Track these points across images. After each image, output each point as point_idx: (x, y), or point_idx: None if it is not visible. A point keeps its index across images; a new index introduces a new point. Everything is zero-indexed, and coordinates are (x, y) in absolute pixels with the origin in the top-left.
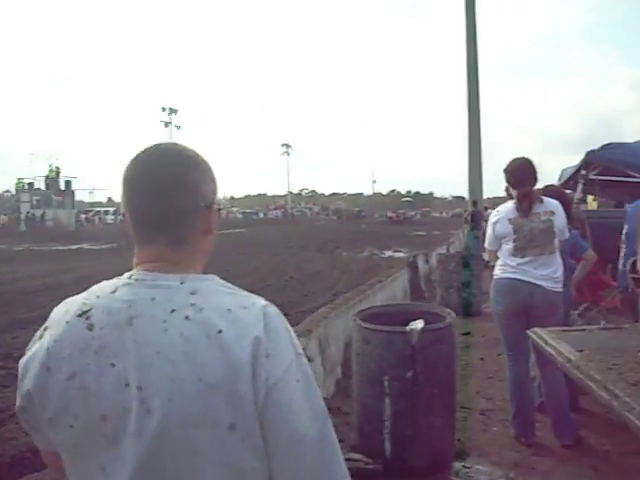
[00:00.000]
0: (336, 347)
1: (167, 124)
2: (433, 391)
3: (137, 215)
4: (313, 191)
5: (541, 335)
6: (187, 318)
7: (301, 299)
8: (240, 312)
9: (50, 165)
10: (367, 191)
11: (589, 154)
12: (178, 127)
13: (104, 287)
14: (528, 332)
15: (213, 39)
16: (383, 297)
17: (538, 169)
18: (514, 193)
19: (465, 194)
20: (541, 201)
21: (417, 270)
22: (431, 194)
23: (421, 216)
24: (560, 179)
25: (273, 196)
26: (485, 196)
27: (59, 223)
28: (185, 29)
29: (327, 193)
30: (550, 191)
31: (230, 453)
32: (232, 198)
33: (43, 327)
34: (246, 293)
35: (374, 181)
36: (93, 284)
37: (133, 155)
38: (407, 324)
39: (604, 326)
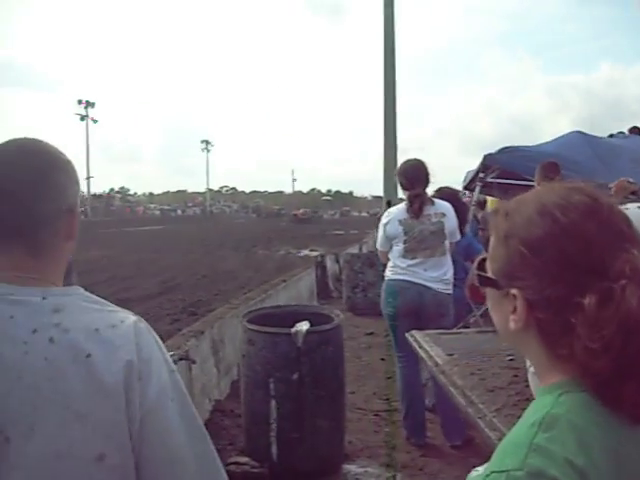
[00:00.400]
0: (233, 347)
1: (83, 117)
2: (320, 393)
3: None
4: (233, 189)
5: (416, 338)
6: (51, 340)
7: (211, 298)
8: (109, 332)
9: None
10: (288, 189)
11: (486, 157)
12: (95, 121)
13: None
14: (406, 335)
15: (131, 30)
16: (287, 297)
17: (430, 171)
18: (405, 194)
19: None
20: (432, 203)
21: (325, 269)
22: (351, 193)
23: (340, 215)
24: (465, 181)
25: (193, 193)
26: (400, 196)
27: None
28: (102, 19)
29: (247, 191)
30: (443, 193)
31: None
32: (151, 194)
33: None
34: (113, 307)
35: (294, 179)
36: None
37: None
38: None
39: (480, 329)
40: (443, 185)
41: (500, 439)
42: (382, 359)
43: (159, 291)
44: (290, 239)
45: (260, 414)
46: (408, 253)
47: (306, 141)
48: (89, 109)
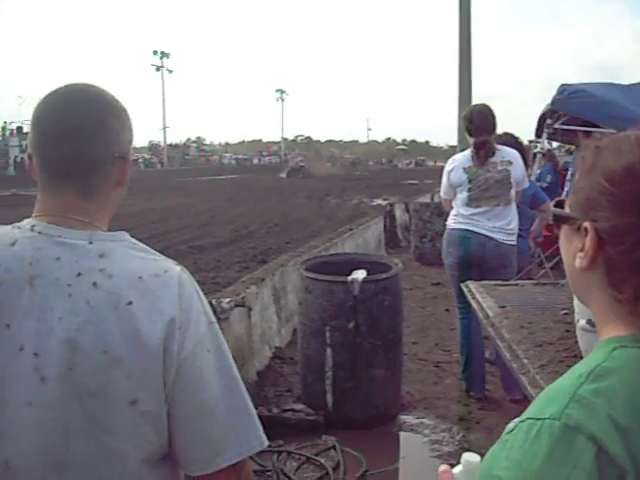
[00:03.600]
0: (295, 295)
1: (159, 68)
2: (376, 343)
3: (47, 160)
4: (308, 137)
5: (470, 288)
6: (95, 285)
7: (282, 246)
8: (152, 281)
9: None
10: (362, 138)
11: (554, 102)
12: (170, 71)
13: (1, 237)
14: (461, 285)
15: None
16: (353, 245)
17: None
18: (471, 141)
19: None
20: (499, 150)
21: (394, 219)
22: (427, 143)
23: (415, 164)
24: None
25: (268, 142)
26: None
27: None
28: None
29: (322, 140)
30: (503, 139)
31: (127, 427)
32: (226, 144)
33: None
34: (158, 256)
35: (369, 129)
36: None
37: (46, 94)
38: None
39: (538, 282)
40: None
41: None
42: (446, 310)
43: (231, 239)
44: (364, 188)
45: (316, 362)
46: (472, 201)
47: (381, 90)
48: (164, 59)
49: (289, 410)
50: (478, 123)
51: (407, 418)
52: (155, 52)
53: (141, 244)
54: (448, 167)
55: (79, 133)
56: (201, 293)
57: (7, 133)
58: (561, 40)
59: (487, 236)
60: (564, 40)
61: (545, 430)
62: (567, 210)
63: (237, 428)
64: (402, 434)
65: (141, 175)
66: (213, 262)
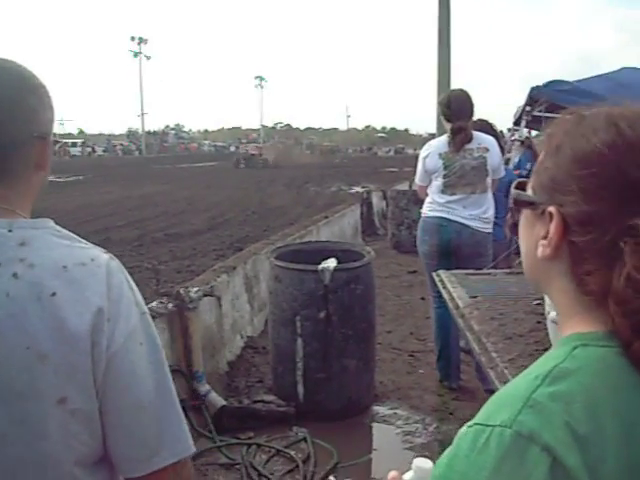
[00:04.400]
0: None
1: (136, 54)
2: (348, 332)
3: None
4: (288, 125)
5: (442, 277)
6: (15, 276)
7: (259, 234)
8: (78, 270)
9: None
10: (342, 126)
11: (533, 90)
12: (148, 57)
13: None
14: (433, 274)
15: None
16: (329, 233)
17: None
18: (448, 126)
19: None
20: (475, 136)
21: (371, 206)
22: (406, 130)
23: (395, 152)
24: (515, 116)
25: (247, 129)
26: None
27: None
28: None
29: (302, 127)
30: (477, 125)
31: (57, 428)
32: (205, 131)
33: None
34: (85, 243)
35: (349, 116)
36: (51, 218)
37: None
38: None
39: (511, 271)
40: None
41: None
42: (422, 298)
43: (208, 227)
44: (343, 176)
45: (286, 353)
46: (447, 189)
47: (361, 77)
48: (142, 45)
49: (259, 401)
50: (455, 108)
51: (380, 409)
52: (133, 38)
53: (66, 231)
54: (423, 153)
55: None
56: (132, 282)
57: None
58: (542, 29)
59: (463, 224)
60: (545, 29)
61: (494, 439)
62: (529, 193)
63: (173, 426)
64: (375, 425)
65: (119, 162)
66: (189, 250)
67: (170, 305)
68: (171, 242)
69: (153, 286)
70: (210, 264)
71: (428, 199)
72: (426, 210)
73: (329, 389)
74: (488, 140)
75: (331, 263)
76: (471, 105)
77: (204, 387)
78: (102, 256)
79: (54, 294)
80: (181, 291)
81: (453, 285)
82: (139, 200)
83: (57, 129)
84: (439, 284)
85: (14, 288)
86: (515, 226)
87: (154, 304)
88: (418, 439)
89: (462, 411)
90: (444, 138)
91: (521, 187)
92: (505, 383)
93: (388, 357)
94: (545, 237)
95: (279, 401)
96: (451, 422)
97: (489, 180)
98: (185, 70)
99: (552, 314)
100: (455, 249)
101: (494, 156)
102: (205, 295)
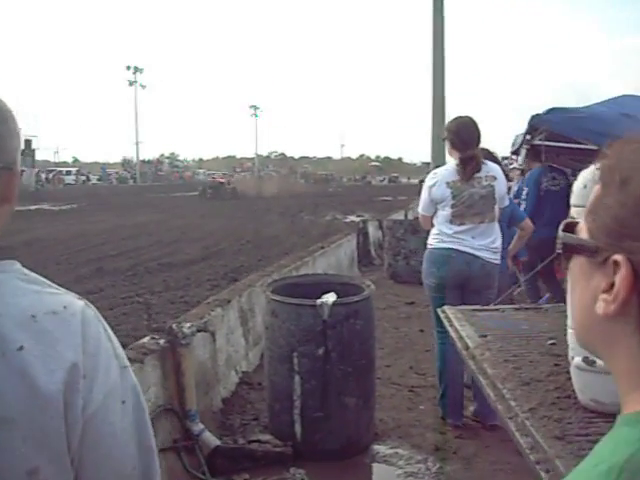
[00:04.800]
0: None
1: (132, 83)
2: (347, 369)
3: None
4: (282, 154)
5: (448, 314)
6: None
7: (254, 264)
8: (49, 320)
9: None
10: (336, 155)
11: (534, 118)
12: (143, 86)
13: None
14: (438, 310)
15: None
16: (325, 264)
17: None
18: (455, 155)
19: None
20: (484, 165)
21: (367, 236)
22: (400, 159)
23: (389, 181)
24: (513, 145)
25: (241, 158)
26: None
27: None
28: None
29: (296, 156)
30: (483, 155)
31: None
32: (200, 160)
33: None
34: (55, 288)
35: (343, 145)
36: (44, 247)
37: None
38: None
39: (520, 306)
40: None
41: (532, 448)
42: (421, 330)
43: (202, 256)
44: (337, 205)
45: (283, 390)
46: (455, 219)
47: (355, 107)
48: (137, 74)
49: (255, 441)
50: (465, 136)
51: (380, 448)
52: (128, 67)
53: (34, 275)
54: (429, 182)
55: None
56: (110, 332)
57: None
58: (534, 61)
59: (473, 255)
60: (537, 60)
61: None
62: (584, 236)
63: None
64: (375, 466)
65: (113, 191)
66: (183, 280)
67: (162, 341)
68: (165, 272)
69: (144, 321)
70: (204, 294)
71: (434, 230)
72: (433, 241)
73: (328, 428)
74: (495, 168)
75: (330, 297)
76: (479, 133)
77: (197, 426)
78: (76, 303)
79: (21, 348)
80: (174, 326)
81: (461, 323)
82: (133, 229)
83: (52, 157)
84: (445, 321)
85: None
86: (548, 274)
87: (146, 340)
88: None
89: (466, 449)
90: (451, 166)
91: (570, 228)
92: (527, 436)
93: (387, 393)
94: (608, 290)
95: (275, 441)
96: (455, 462)
97: (497, 209)
98: (180, 99)
99: (577, 359)
100: (464, 281)
101: (501, 184)
102: (199, 330)
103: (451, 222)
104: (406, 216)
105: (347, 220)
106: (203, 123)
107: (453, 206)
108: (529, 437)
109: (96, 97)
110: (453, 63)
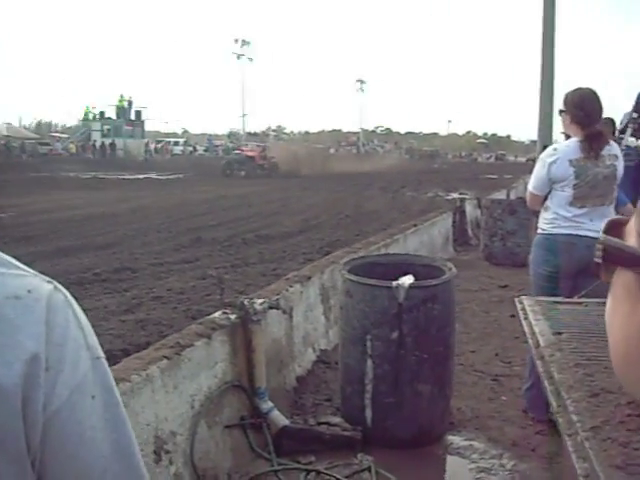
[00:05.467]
0: None
1: (239, 56)
2: (422, 356)
3: None
4: (388, 129)
5: (525, 306)
6: None
7: (351, 238)
8: (10, 306)
9: (121, 95)
10: (443, 131)
11: None
12: (250, 59)
13: None
14: (515, 300)
15: None
16: (417, 243)
17: None
18: (575, 131)
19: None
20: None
21: (464, 214)
22: (508, 137)
23: (495, 159)
24: (621, 123)
25: (347, 132)
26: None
27: (128, 152)
28: None
29: (402, 131)
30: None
31: None
32: (306, 133)
33: None
34: (23, 270)
35: (449, 121)
36: (147, 215)
37: None
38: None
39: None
40: None
41: (588, 476)
42: (512, 316)
43: (300, 229)
44: (441, 181)
45: (355, 374)
46: (577, 200)
47: (463, 82)
48: (245, 48)
49: (324, 423)
50: (590, 110)
51: (455, 439)
52: (236, 40)
53: (2, 255)
54: (549, 158)
55: None
56: (83, 318)
57: (90, 117)
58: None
59: (593, 238)
60: None
61: None
62: (633, 242)
63: None
64: (447, 458)
65: (218, 162)
66: (279, 252)
67: (233, 317)
68: (261, 244)
69: (217, 295)
70: (296, 268)
71: (548, 214)
72: (547, 226)
73: (399, 415)
74: (615, 147)
75: (407, 279)
76: (601, 107)
77: (266, 404)
78: (43, 286)
79: None
80: (245, 302)
81: (536, 317)
82: (234, 200)
83: (161, 128)
84: (520, 313)
85: None
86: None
87: (217, 315)
88: (493, 477)
89: (546, 447)
90: (572, 143)
91: (616, 230)
92: (584, 461)
93: (469, 380)
94: None
95: (345, 424)
96: (532, 460)
97: (616, 190)
98: (287, 72)
99: None
100: (585, 267)
101: (621, 165)
102: (270, 307)
103: (571, 204)
104: (508, 195)
105: (449, 197)
106: (309, 96)
107: (575, 187)
108: (586, 462)
109: (205, 70)
110: (564, 38)
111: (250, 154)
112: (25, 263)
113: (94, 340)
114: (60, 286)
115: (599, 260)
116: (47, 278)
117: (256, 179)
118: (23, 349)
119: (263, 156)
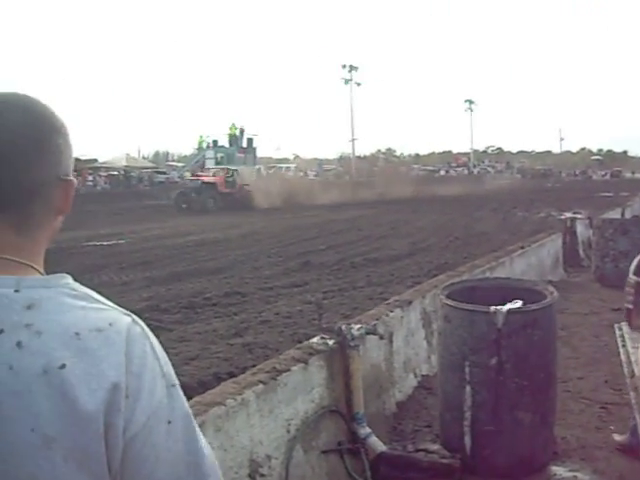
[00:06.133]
0: None
1: (347, 81)
2: (522, 383)
3: None
4: (499, 149)
5: (623, 333)
6: (19, 345)
7: (459, 261)
8: (92, 337)
9: (233, 124)
10: (555, 149)
11: None
12: (358, 84)
13: None
14: (615, 326)
15: None
16: (523, 265)
17: None
18: None
19: None
20: None
21: (575, 235)
22: (625, 153)
23: (611, 176)
24: None
25: (457, 153)
26: None
27: (241, 179)
28: None
29: (514, 151)
30: None
31: None
32: (416, 155)
33: None
34: (103, 304)
35: (562, 139)
36: (258, 240)
37: None
38: (504, 303)
39: None
40: None
41: None
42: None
43: (408, 252)
44: (553, 201)
45: (454, 400)
46: None
47: (575, 98)
48: (353, 73)
49: (423, 450)
50: None
51: (558, 470)
52: (344, 66)
53: (84, 289)
54: None
55: (19, 154)
56: (159, 349)
57: (204, 146)
58: None
59: None
60: None
61: None
62: None
63: None
64: None
65: (329, 187)
66: (387, 275)
67: (331, 342)
68: (369, 267)
69: (315, 320)
70: (403, 291)
71: None
72: None
73: (498, 444)
74: None
75: (507, 305)
76: None
77: (364, 430)
78: (123, 320)
79: (63, 366)
80: (343, 327)
81: (634, 344)
82: (344, 223)
83: (273, 154)
84: (618, 340)
85: (18, 360)
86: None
87: (314, 340)
88: None
89: None
90: None
91: None
92: None
93: (575, 408)
94: None
95: (444, 451)
96: None
97: None
98: (395, 95)
99: None
100: None
101: None
102: (368, 333)
103: None
104: (623, 214)
105: (562, 217)
106: (418, 118)
107: None
108: None
109: (314, 95)
110: None
111: (208, 180)
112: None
113: (169, 369)
114: (137, 318)
115: (630, 305)
116: (125, 311)
117: (219, 213)
118: (106, 378)
119: (230, 183)
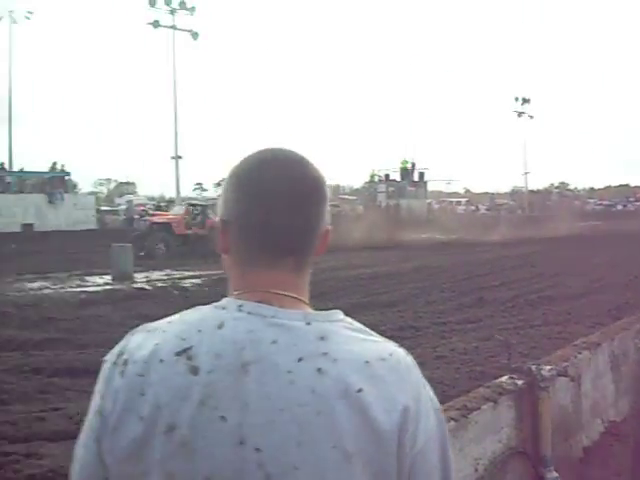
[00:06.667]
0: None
1: (520, 114)
2: None
3: (266, 231)
4: None
5: None
6: (319, 371)
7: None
8: (380, 367)
9: (404, 159)
10: None
11: None
12: (531, 117)
13: (205, 318)
14: None
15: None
16: None
17: None
18: None
19: None
20: None
21: None
22: None
23: None
24: None
25: (635, 187)
26: None
27: (412, 212)
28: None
29: None
30: None
31: None
32: (591, 189)
33: (119, 360)
34: (376, 336)
35: None
36: (430, 274)
37: (252, 158)
38: None
39: None
40: None
41: None
42: None
43: (584, 291)
44: None
45: None
46: None
47: None
48: (525, 105)
49: None
50: None
51: None
52: (517, 98)
53: (357, 323)
54: None
55: (306, 202)
56: (423, 377)
57: (376, 179)
58: None
59: None
60: None
61: None
62: None
63: None
64: None
65: (500, 221)
66: (563, 314)
67: (520, 382)
68: (545, 305)
69: (505, 359)
70: (583, 332)
71: None
72: None
73: None
74: None
75: None
76: None
77: (551, 474)
78: (399, 351)
79: (360, 390)
80: (533, 368)
81: None
82: (516, 260)
83: (443, 187)
84: None
85: (319, 384)
86: None
87: (504, 379)
88: None
89: None
90: None
91: None
92: None
93: None
94: None
95: None
96: None
97: None
98: (569, 127)
99: None
100: None
101: None
102: (559, 375)
103: None
104: None
105: None
106: (593, 151)
107: None
108: None
109: (485, 129)
110: None
111: (160, 221)
112: None
113: (433, 393)
114: (406, 351)
115: None
116: (396, 344)
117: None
118: (397, 402)
119: (194, 223)
